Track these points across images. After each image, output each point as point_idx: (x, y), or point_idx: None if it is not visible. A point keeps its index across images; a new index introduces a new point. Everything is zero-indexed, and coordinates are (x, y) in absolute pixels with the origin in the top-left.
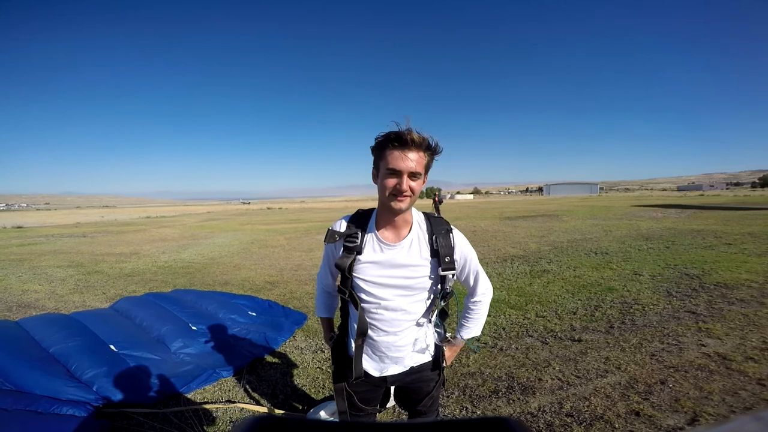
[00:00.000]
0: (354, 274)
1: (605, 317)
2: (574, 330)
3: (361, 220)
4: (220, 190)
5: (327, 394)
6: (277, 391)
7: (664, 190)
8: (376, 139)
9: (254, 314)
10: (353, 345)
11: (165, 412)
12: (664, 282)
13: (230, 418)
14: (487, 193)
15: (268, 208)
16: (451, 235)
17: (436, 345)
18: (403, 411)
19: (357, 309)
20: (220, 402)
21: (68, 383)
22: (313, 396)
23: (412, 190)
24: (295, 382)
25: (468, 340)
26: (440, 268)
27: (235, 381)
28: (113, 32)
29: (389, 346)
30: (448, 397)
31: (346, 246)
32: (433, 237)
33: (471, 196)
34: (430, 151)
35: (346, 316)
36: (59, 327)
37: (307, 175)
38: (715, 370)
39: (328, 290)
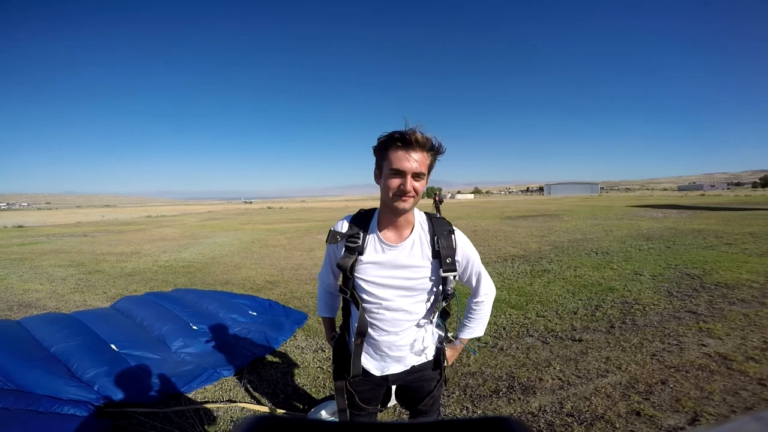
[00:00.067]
0: (355, 274)
1: (606, 317)
2: (575, 330)
3: (362, 221)
4: (220, 190)
5: (328, 394)
6: (277, 391)
7: (665, 190)
8: (378, 139)
9: (255, 314)
10: (353, 344)
11: (166, 412)
12: (665, 282)
13: (231, 417)
14: (487, 192)
15: (269, 208)
16: (453, 236)
17: (437, 345)
18: (403, 410)
19: (358, 309)
20: (220, 401)
21: (69, 383)
22: (313, 395)
23: (416, 190)
24: (296, 382)
25: (469, 340)
26: (441, 270)
27: (236, 380)
28: (113, 32)
29: (390, 345)
30: (448, 396)
31: (348, 246)
32: (435, 238)
33: (471, 196)
34: (434, 151)
35: (347, 316)
36: (60, 326)
37: (307, 174)
38: (716, 370)
39: (329, 290)
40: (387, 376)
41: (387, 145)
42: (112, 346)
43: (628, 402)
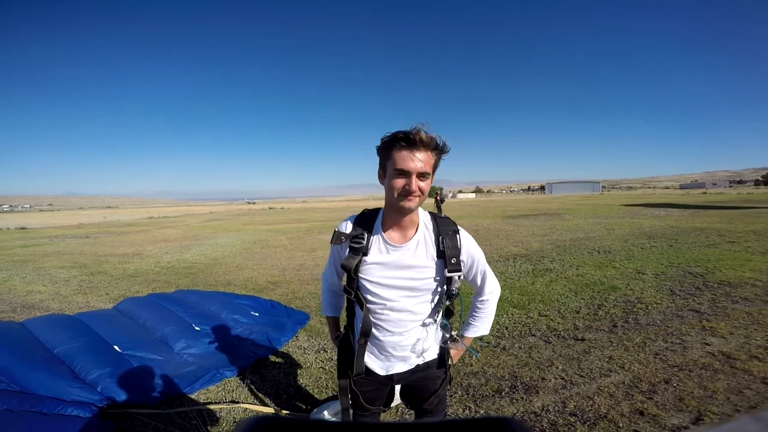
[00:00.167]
0: (360, 275)
1: (608, 316)
2: (578, 329)
3: (367, 221)
4: (222, 190)
5: (330, 394)
6: (280, 391)
7: (667, 188)
8: (382, 139)
9: (257, 314)
10: (357, 344)
11: (169, 413)
12: (668, 281)
13: (234, 418)
14: (489, 191)
15: (270, 208)
16: (458, 236)
17: (441, 344)
18: (406, 411)
19: (362, 309)
20: (223, 402)
21: (73, 384)
22: (316, 396)
23: (421, 190)
24: (299, 382)
25: (473, 340)
26: (446, 270)
27: (239, 381)
28: (113, 32)
29: (395, 345)
30: (451, 396)
31: (352, 247)
32: (440, 238)
33: (473, 195)
34: (438, 150)
35: (351, 316)
36: (63, 328)
37: (308, 174)
38: (720, 369)
39: (333, 289)
40: (392, 375)
41: (391, 145)
42: (115, 347)
43: (632, 401)
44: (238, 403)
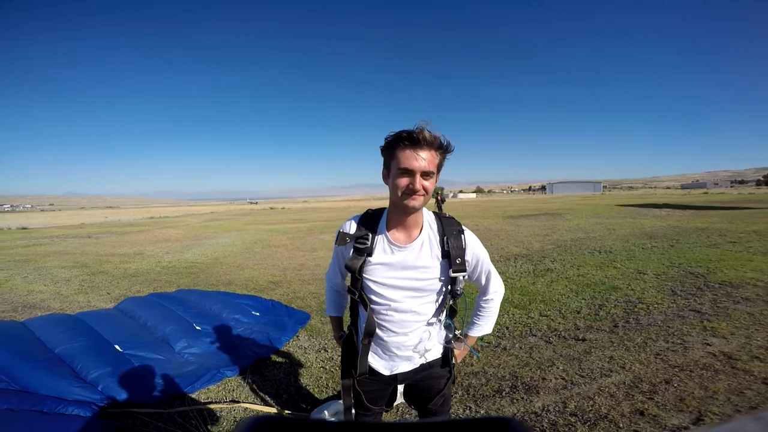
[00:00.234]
0: (364, 275)
1: (609, 316)
2: (578, 329)
3: (371, 221)
4: (222, 190)
5: (331, 394)
6: (280, 391)
7: (668, 188)
8: (386, 138)
9: (258, 314)
10: (360, 344)
11: (169, 412)
12: (669, 281)
13: (234, 417)
14: (489, 191)
15: (271, 208)
16: (462, 236)
17: (445, 344)
18: (407, 411)
19: (366, 310)
20: (224, 402)
21: (73, 383)
22: (316, 395)
23: (425, 189)
24: (299, 382)
25: (478, 337)
26: (451, 270)
27: (239, 381)
28: (113, 32)
29: (399, 346)
30: (452, 396)
31: (357, 247)
32: (445, 238)
33: (474, 195)
34: (442, 149)
35: (355, 316)
36: (64, 327)
37: (309, 174)
38: (721, 370)
39: (337, 289)
40: (396, 375)
41: (395, 145)
42: (116, 346)
43: (632, 401)
44: (238, 402)
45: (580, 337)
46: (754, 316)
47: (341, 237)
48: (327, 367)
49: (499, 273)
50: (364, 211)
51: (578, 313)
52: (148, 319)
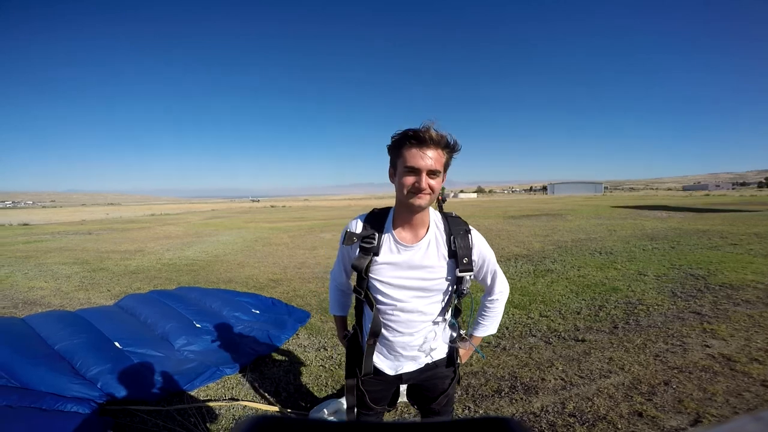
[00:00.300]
0: (370, 275)
1: (609, 317)
2: (578, 330)
3: (377, 221)
4: (224, 188)
5: (330, 393)
6: (280, 389)
7: (670, 189)
8: (392, 137)
9: (258, 312)
10: (366, 344)
11: (168, 410)
12: (669, 282)
13: (233, 415)
14: (490, 191)
15: (272, 206)
16: (469, 235)
17: (450, 343)
18: (407, 411)
19: (372, 310)
20: (223, 399)
21: (73, 380)
22: (315, 394)
23: (431, 188)
24: (299, 380)
25: (483, 338)
26: (458, 270)
27: (239, 378)
28: (114, 32)
29: (404, 346)
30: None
31: (363, 247)
32: (451, 237)
33: (474, 195)
34: (449, 148)
35: (360, 315)
36: (64, 324)
37: (310, 173)
38: (719, 372)
39: (342, 288)
40: (401, 375)
41: (401, 143)
42: (116, 343)
43: (631, 403)
44: (237, 400)
45: (580, 338)
46: (754, 319)
47: (349, 237)
48: (326, 365)
49: None
50: (370, 210)
51: (578, 313)
52: (148, 317)
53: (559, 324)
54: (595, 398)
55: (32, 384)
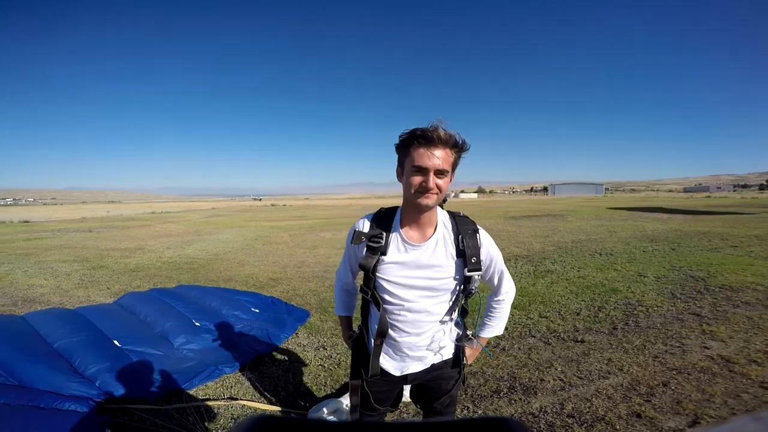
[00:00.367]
0: (378, 274)
1: (609, 318)
2: (577, 331)
3: (384, 220)
4: (224, 187)
5: (329, 392)
6: (279, 389)
7: (671, 191)
8: (400, 136)
9: (257, 311)
10: (373, 344)
11: (167, 409)
12: (669, 284)
13: (232, 414)
14: (491, 192)
15: (273, 205)
16: (477, 235)
17: (456, 343)
18: (405, 410)
19: (378, 310)
20: (222, 399)
21: (71, 378)
22: (315, 393)
23: (439, 187)
24: (298, 380)
25: (490, 338)
26: (466, 269)
27: (238, 377)
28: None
29: (411, 346)
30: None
31: (370, 246)
32: (459, 237)
33: (475, 195)
34: (457, 148)
35: (366, 315)
36: (64, 322)
37: (310, 172)
38: (718, 373)
39: (347, 288)
40: (406, 375)
41: (409, 143)
42: (115, 342)
43: (629, 404)
44: (236, 399)
45: (579, 339)
46: (753, 320)
47: (357, 236)
48: (326, 365)
49: None
50: (377, 209)
51: (578, 314)
52: (147, 315)
53: (559, 325)
54: (593, 399)
55: (31, 382)
